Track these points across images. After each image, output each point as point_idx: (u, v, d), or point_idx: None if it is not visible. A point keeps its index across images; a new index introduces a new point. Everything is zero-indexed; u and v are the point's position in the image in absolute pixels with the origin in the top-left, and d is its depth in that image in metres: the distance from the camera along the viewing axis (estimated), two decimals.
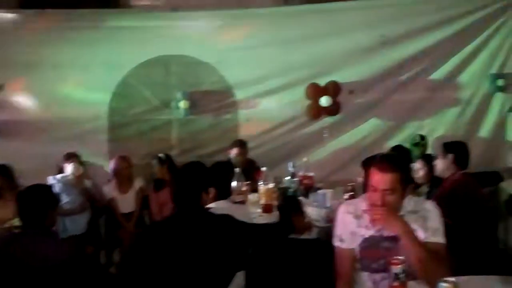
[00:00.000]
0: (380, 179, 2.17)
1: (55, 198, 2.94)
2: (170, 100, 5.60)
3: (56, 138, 5.33)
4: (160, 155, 4.99)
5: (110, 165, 4.99)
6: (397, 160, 2.27)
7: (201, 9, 5.72)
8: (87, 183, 4.86)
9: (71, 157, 4.78)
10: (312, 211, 3.46)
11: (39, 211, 2.71)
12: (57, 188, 4.36)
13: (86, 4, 5.41)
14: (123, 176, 4.92)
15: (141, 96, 5.60)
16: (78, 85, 5.49)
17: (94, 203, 4.88)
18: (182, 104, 5.52)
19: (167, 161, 4.93)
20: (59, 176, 4.63)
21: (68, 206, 4.50)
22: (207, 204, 2.46)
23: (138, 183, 4.97)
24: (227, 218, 2.36)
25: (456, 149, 3.71)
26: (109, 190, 4.91)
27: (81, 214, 4.68)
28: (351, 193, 3.75)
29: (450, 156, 3.65)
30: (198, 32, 5.64)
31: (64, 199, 4.42)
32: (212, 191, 2.82)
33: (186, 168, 2.55)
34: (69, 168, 4.67)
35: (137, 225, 4.84)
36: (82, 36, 5.37)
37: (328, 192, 3.86)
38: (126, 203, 4.91)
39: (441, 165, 3.71)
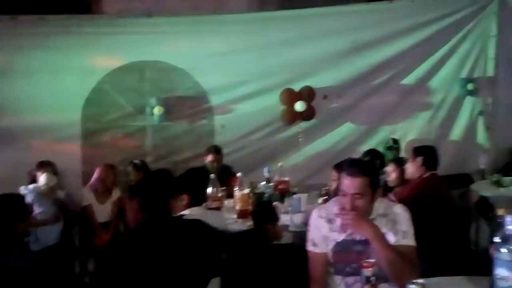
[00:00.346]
0: (349, 183, 2.21)
1: (25, 208, 2.89)
2: (144, 106, 5.57)
3: (28, 145, 5.25)
4: (136, 161, 4.95)
5: (95, 173, 4.90)
6: (365, 165, 2.31)
7: (175, 14, 5.71)
8: (60, 193, 4.78)
9: (44, 166, 4.70)
10: (286, 217, 3.48)
11: (7, 222, 2.66)
12: (29, 199, 4.27)
13: (59, 10, 5.34)
14: (105, 185, 4.84)
15: (114, 103, 5.55)
16: (50, 92, 5.40)
17: (68, 213, 4.80)
18: (157, 110, 5.48)
19: (142, 167, 4.89)
20: (31, 186, 4.53)
21: (41, 216, 4.41)
22: (178, 211, 2.46)
23: (116, 194, 4.91)
24: (197, 224, 2.36)
25: (425, 152, 3.81)
26: (87, 196, 4.83)
27: (54, 225, 4.59)
28: (326, 197, 3.79)
29: (419, 159, 3.75)
30: (173, 38, 5.61)
31: (37, 209, 4.34)
32: (185, 197, 2.83)
33: (151, 176, 2.55)
34: (42, 178, 4.57)
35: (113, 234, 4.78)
36: (54, 42, 5.31)
37: (303, 196, 3.90)
38: (103, 212, 4.85)
39: (411, 168, 3.80)
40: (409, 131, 5.86)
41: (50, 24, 5.32)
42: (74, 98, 5.45)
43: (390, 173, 4.07)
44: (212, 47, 5.57)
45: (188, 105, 5.69)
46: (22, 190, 4.43)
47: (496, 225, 1.93)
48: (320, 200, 3.79)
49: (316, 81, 5.67)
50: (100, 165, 4.91)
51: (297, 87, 5.63)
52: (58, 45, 5.31)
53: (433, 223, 3.42)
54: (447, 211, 3.67)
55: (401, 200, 3.29)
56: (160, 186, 2.39)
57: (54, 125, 5.39)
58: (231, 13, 5.81)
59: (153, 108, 5.51)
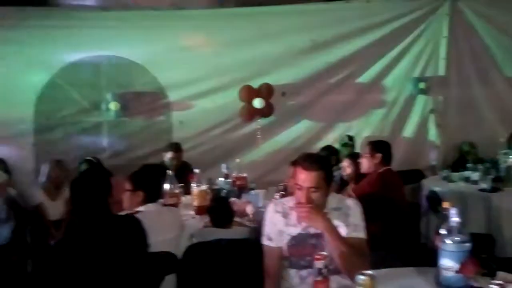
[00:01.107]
0: (304, 177, 2.25)
1: None
2: (100, 102, 5.47)
3: None
4: (90, 158, 4.84)
5: (43, 169, 4.76)
6: (320, 159, 2.36)
7: (133, 9, 5.62)
8: (12, 191, 4.62)
9: None
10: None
11: None
12: None
13: (10, 2, 5.15)
14: (56, 182, 4.72)
15: (69, 98, 5.43)
16: (0, 86, 5.22)
17: (20, 212, 4.64)
18: (113, 106, 5.40)
19: (97, 165, 4.80)
20: None
21: None
22: (133, 207, 2.46)
23: (68, 190, 4.78)
24: (133, 222, 2.37)
25: (383, 148, 3.91)
26: (38, 194, 4.70)
27: (4, 224, 4.43)
28: (283, 192, 3.83)
29: (379, 155, 3.85)
30: (130, 33, 5.52)
31: None
32: (140, 194, 2.81)
33: (83, 177, 2.53)
34: None
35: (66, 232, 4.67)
36: (6, 35, 5.15)
37: (261, 192, 3.94)
38: (55, 210, 4.72)
39: (368, 163, 3.90)
40: (364, 128, 6.02)
41: (2, 16, 5.14)
42: (26, 93, 5.31)
43: (346, 167, 4.18)
44: (171, 42, 5.54)
45: (146, 100, 5.63)
46: None
47: (442, 218, 2.01)
48: (277, 195, 3.83)
49: (275, 78, 5.73)
50: (47, 162, 4.78)
51: (255, 84, 5.66)
52: (10, 38, 5.16)
53: (390, 217, 3.54)
54: (401, 205, 3.81)
55: (363, 195, 3.41)
56: (93, 186, 2.39)
57: (5, 120, 5.22)
58: (190, 9, 5.77)
59: (109, 103, 5.41)
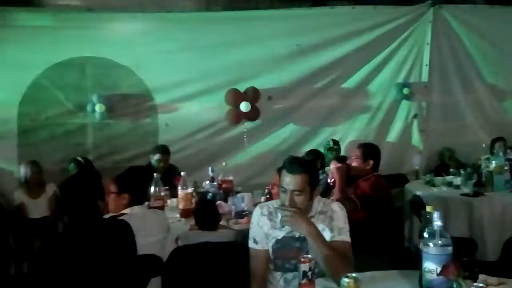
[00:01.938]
0: (289, 180, 2.27)
1: None
2: (85, 103, 5.43)
3: None
4: (79, 158, 4.81)
5: (20, 170, 4.74)
6: (306, 163, 2.39)
7: (119, 10, 5.60)
8: None
9: None
10: None
11: None
12: None
13: None
14: (33, 182, 4.71)
15: (53, 99, 5.38)
16: None
17: (2, 214, 4.59)
18: (98, 108, 5.36)
19: (86, 165, 4.77)
20: None
21: None
22: (118, 209, 2.45)
23: (51, 188, 4.78)
24: (122, 226, 2.37)
25: (375, 155, 3.95)
26: (19, 195, 4.67)
27: None
28: (268, 196, 3.85)
29: (371, 162, 3.87)
30: (116, 34, 5.51)
31: None
32: (126, 196, 2.80)
33: (74, 179, 2.52)
34: None
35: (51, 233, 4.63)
36: None
37: (247, 195, 3.95)
38: (37, 208, 4.71)
39: (359, 169, 3.90)
40: (349, 132, 6.09)
41: None
42: (10, 94, 5.24)
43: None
44: (157, 45, 5.51)
45: (132, 103, 5.60)
46: None
47: (425, 222, 2.04)
48: (263, 199, 3.85)
49: (261, 82, 5.75)
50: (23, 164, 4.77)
51: (242, 87, 5.68)
52: None
53: (380, 220, 3.60)
54: (390, 209, 3.87)
55: (364, 195, 3.52)
56: (83, 188, 2.38)
57: None
58: (177, 12, 5.76)
59: (94, 105, 5.37)
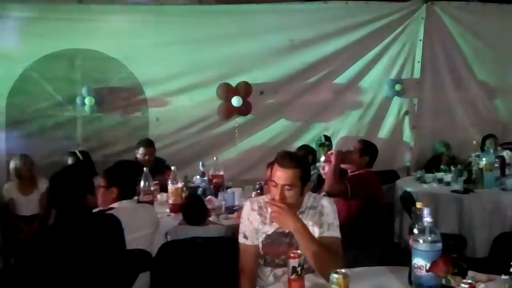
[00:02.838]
0: (280, 174, 2.26)
1: None
2: (75, 96, 5.36)
3: None
4: (76, 151, 4.77)
5: (10, 165, 4.67)
6: (297, 158, 2.37)
7: (110, 2, 5.54)
8: None
9: None
10: None
11: None
12: None
13: None
14: (24, 177, 4.63)
15: (43, 91, 5.31)
16: None
17: None
18: (88, 101, 5.30)
19: (84, 158, 4.72)
20: None
21: None
22: (107, 203, 2.43)
23: (43, 184, 4.64)
24: (110, 220, 2.35)
25: (372, 153, 3.96)
26: (9, 190, 4.60)
27: None
28: (259, 191, 3.84)
29: (367, 158, 3.88)
30: (107, 27, 5.44)
31: None
32: (114, 190, 2.77)
33: (64, 172, 2.49)
34: None
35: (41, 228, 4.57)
36: None
37: (237, 190, 3.94)
38: (29, 205, 4.62)
39: (354, 162, 3.90)
40: (341, 128, 6.08)
41: None
42: None
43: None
44: (149, 37, 5.46)
45: (122, 96, 5.55)
46: None
47: (415, 218, 2.04)
48: (254, 194, 3.84)
49: (253, 77, 5.72)
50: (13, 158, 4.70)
51: (234, 82, 5.65)
52: None
53: (371, 216, 3.60)
54: (380, 205, 3.88)
55: (354, 185, 3.55)
56: (72, 182, 2.36)
57: None
58: (169, 4, 5.71)
59: (84, 98, 5.31)
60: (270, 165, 3.66)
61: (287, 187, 2.25)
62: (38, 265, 2.17)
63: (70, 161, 4.72)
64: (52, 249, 2.19)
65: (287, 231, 2.32)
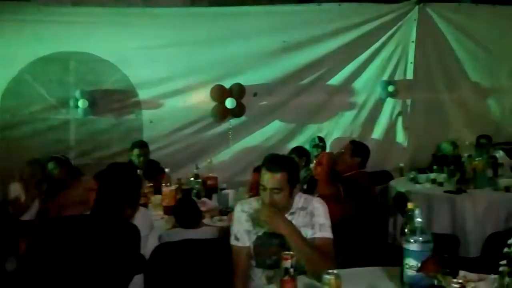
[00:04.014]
0: (269, 178, 2.28)
1: None
2: (68, 99, 5.34)
3: None
4: (59, 155, 4.73)
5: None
6: (285, 160, 2.38)
7: (104, 5, 5.53)
8: None
9: None
10: None
11: None
12: None
13: None
14: (31, 182, 4.56)
15: (36, 94, 5.29)
16: None
17: None
18: (81, 103, 5.28)
19: (65, 163, 4.69)
20: None
21: None
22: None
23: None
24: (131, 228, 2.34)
25: (364, 154, 3.97)
26: (15, 189, 4.52)
27: None
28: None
29: (358, 159, 3.90)
30: (100, 29, 5.42)
31: None
32: None
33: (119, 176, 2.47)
34: None
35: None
36: None
37: (231, 192, 3.94)
38: (30, 210, 4.58)
39: (345, 163, 3.91)
40: (334, 129, 6.10)
41: None
42: None
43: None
44: (142, 40, 5.45)
45: (115, 99, 5.52)
46: None
47: (408, 218, 2.05)
48: (247, 196, 3.84)
49: (247, 79, 5.72)
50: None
51: (227, 84, 5.64)
52: None
53: (364, 217, 3.62)
54: (373, 205, 3.90)
55: (347, 186, 3.56)
56: (124, 190, 2.35)
57: None
58: (162, 7, 5.71)
59: (77, 101, 5.30)
60: (256, 170, 3.69)
61: (275, 190, 2.27)
62: (35, 269, 2.14)
63: (52, 166, 4.66)
64: (50, 252, 2.16)
65: (277, 232, 2.33)
